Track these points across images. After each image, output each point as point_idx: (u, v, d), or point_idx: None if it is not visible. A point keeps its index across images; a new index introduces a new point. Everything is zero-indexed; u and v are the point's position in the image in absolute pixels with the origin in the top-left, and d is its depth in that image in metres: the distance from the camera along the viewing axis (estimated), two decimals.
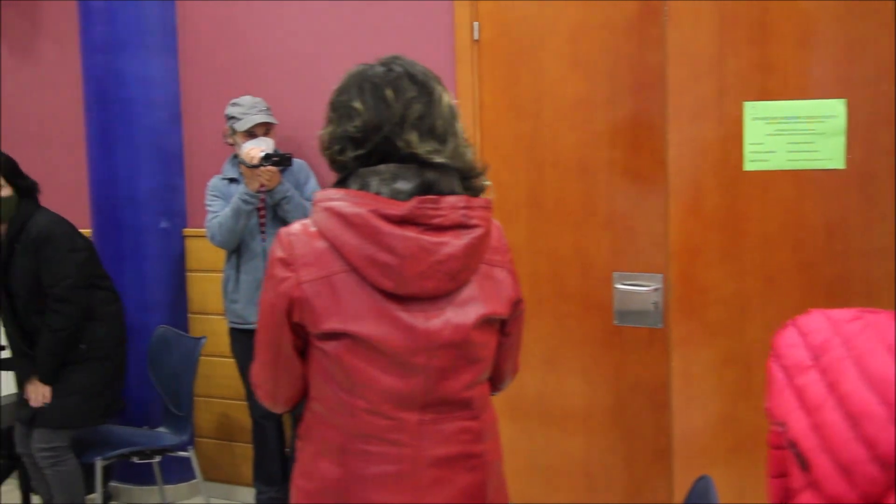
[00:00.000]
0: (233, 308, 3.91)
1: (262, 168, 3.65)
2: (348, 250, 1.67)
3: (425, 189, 1.69)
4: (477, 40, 3.66)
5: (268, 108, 3.83)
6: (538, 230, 3.59)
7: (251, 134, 3.79)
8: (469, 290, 1.74)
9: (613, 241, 3.47)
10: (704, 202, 3.07)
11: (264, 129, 3.80)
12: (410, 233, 1.65)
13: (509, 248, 1.86)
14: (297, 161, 3.85)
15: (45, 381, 3.60)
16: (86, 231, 4.51)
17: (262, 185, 3.70)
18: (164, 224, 4.31)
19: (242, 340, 3.88)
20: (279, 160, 3.65)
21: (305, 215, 3.69)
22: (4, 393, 4.48)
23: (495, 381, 1.93)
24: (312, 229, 1.72)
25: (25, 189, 3.68)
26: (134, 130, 4.27)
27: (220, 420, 4.40)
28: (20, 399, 3.71)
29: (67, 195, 4.68)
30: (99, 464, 3.66)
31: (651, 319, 3.39)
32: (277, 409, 1.89)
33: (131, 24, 4.22)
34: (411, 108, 1.72)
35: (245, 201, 3.74)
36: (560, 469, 3.65)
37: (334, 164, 1.77)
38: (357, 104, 1.73)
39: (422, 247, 1.65)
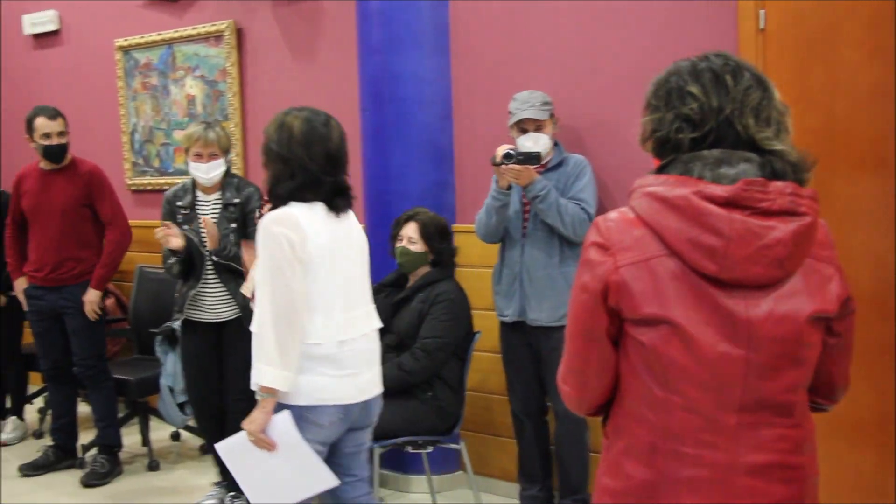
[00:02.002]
0: (495, 300, 3.96)
1: (503, 166, 3.67)
2: (669, 234, 1.63)
3: (758, 174, 1.63)
4: (762, 29, 3.49)
5: (544, 104, 3.79)
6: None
7: (523, 129, 3.80)
8: (794, 283, 1.65)
9: None
10: None
11: (534, 124, 3.79)
12: (737, 215, 1.59)
13: (835, 245, 1.74)
14: (574, 157, 3.82)
15: None
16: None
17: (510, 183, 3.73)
18: None
19: (505, 333, 3.95)
20: (521, 159, 3.65)
21: (560, 215, 3.72)
22: None
23: (827, 392, 1.81)
24: (631, 215, 1.69)
25: (442, 253, 3.96)
26: (407, 128, 4.39)
27: (486, 414, 4.44)
28: None
29: None
30: (377, 451, 3.78)
31: None
32: (582, 410, 1.85)
33: (406, 24, 4.34)
34: (749, 95, 1.67)
35: (494, 197, 3.80)
36: (847, 484, 3.42)
37: (666, 144, 1.72)
38: (694, 88, 1.68)
39: (749, 229, 1.59)
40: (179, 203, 4.21)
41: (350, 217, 2.96)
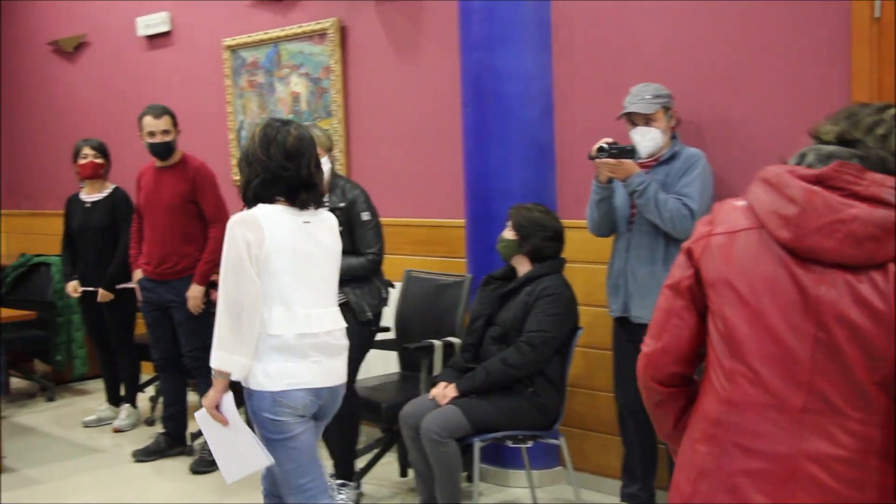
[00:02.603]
0: (606, 294, 3.94)
1: (598, 160, 3.68)
2: (759, 206, 1.72)
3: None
4: (878, 18, 3.39)
5: (655, 97, 3.72)
6: None
7: (634, 123, 3.77)
8: (880, 277, 1.60)
9: None
10: None
11: (643, 118, 3.75)
12: (818, 188, 1.63)
13: None
14: (688, 151, 3.73)
15: (462, 392, 3.84)
16: (459, 221, 4.73)
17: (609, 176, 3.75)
18: None
19: (615, 327, 3.92)
20: (615, 152, 3.64)
21: (659, 210, 3.64)
22: (386, 371, 4.81)
23: None
24: (742, 202, 1.78)
25: (536, 247, 3.96)
26: (508, 125, 4.40)
27: (586, 410, 4.43)
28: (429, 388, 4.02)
29: (444, 188, 4.93)
30: (477, 445, 3.81)
31: None
32: (649, 369, 1.90)
33: (508, 20, 4.35)
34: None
35: (594, 191, 3.83)
36: None
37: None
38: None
39: (826, 202, 1.63)
40: None
41: (323, 220, 3.15)
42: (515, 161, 4.42)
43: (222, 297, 2.96)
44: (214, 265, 4.91)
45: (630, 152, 3.66)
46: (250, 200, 3.04)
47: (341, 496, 4.23)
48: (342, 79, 5.39)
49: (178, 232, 4.92)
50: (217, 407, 3.02)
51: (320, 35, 5.45)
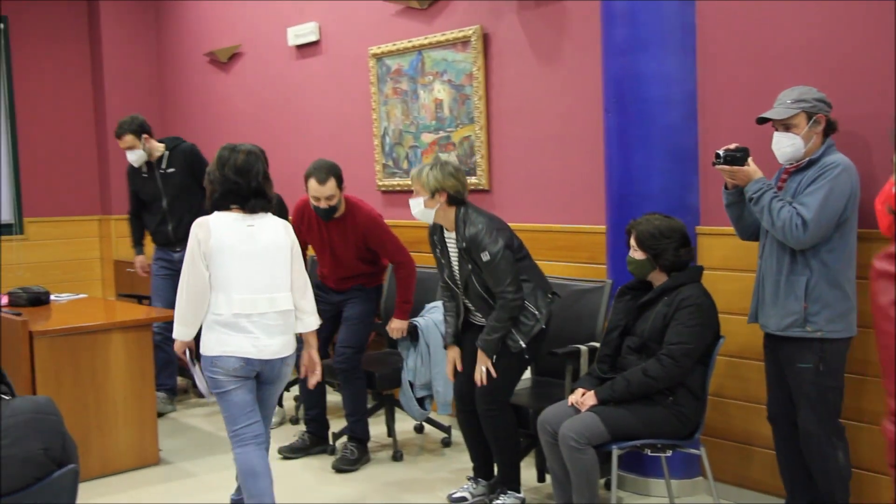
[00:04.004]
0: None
1: (717, 167, 3.65)
2: None
3: None
4: None
5: (795, 101, 3.58)
6: None
7: (777, 128, 3.67)
8: None
9: None
10: None
11: (781, 124, 3.63)
12: None
13: None
14: (829, 159, 3.55)
15: (601, 400, 3.83)
16: (600, 227, 4.71)
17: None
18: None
19: (765, 342, 3.82)
20: (728, 159, 3.59)
21: (772, 219, 3.52)
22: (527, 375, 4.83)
23: None
24: None
25: (667, 258, 3.90)
26: (650, 130, 4.35)
27: (728, 420, 4.33)
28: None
29: (585, 193, 4.92)
30: (615, 452, 3.78)
31: None
32: None
33: (652, 24, 4.30)
34: None
35: (723, 196, 3.81)
36: None
37: None
38: None
39: None
40: (435, 236, 4.43)
41: (267, 223, 3.84)
42: (657, 166, 4.37)
43: (181, 281, 3.77)
44: (412, 298, 5.07)
45: (739, 159, 3.60)
46: (210, 209, 3.83)
47: (499, 502, 4.31)
48: (484, 85, 5.44)
49: (355, 265, 5.11)
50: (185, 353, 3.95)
51: (463, 42, 5.52)
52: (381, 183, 6.24)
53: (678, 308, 3.81)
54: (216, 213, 3.80)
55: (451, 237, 4.32)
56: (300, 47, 6.84)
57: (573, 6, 4.93)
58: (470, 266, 4.21)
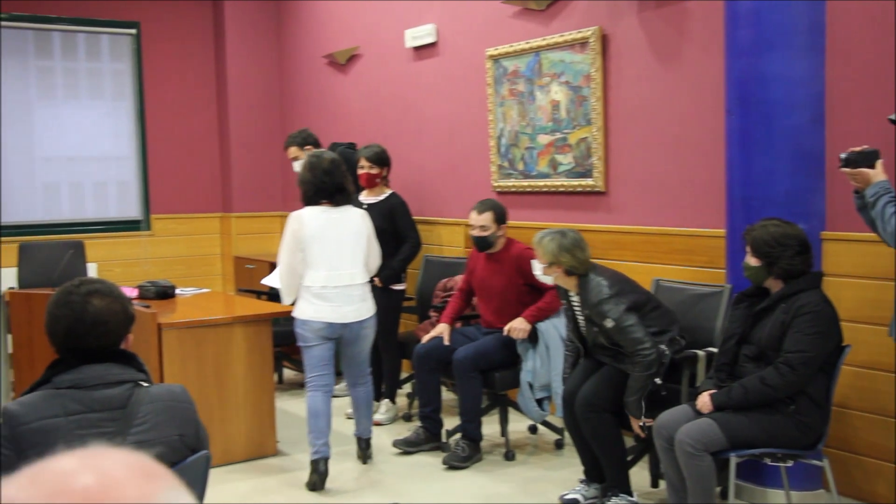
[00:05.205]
0: None
1: (840, 170, 3.56)
2: None
3: None
4: None
5: None
6: None
7: None
8: None
9: None
10: None
11: None
12: None
13: None
14: None
15: (717, 406, 3.77)
16: (719, 231, 4.63)
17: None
18: (801, 226, 4.23)
19: None
20: (847, 161, 3.51)
21: (883, 224, 3.41)
22: None
23: None
24: None
25: (782, 266, 3.80)
26: (775, 132, 4.25)
27: (856, 433, 4.21)
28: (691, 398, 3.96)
29: (705, 196, 4.85)
30: (733, 460, 3.72)
31: None
32: None
33: (778, 23, 4.20)
34: None
35: (854, 201, 3.67)
36: None
37: None
38: None
39: None
40: (562, 297, 4.57)
41: (348, 213, 4.84)
42: (781, 170, 4.27)
43: (279, 263, 4.81)
44: (541, 314, 5.10)
45: (858, 161, 3.49)
46: (304, 204, 4.78)
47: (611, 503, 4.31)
48: (602, 87, 5.41)
49: (512, 306, 5.16)
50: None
51: (581, 43, 5.50)
52: (496, 184, 6.26)
53: (796, 315, 3.72)
54: (307, 208, 4.76)
55: (576, 299, 4.42)
56: (417, 49, 6.92)
57: (695, 6, 4.86)
58: (596, 329, 4.30)
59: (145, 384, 2.48)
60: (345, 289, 4.73)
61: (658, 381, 4.15)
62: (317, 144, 6.56)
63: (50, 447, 2.26)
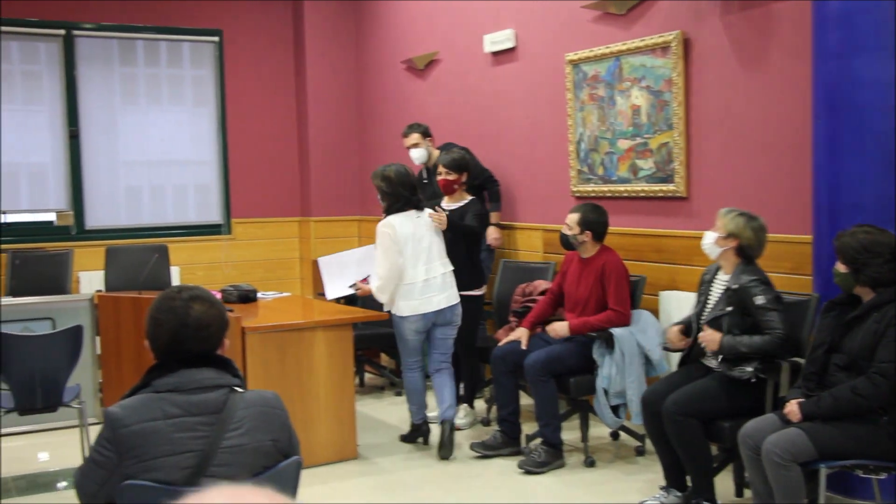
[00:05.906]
0: None
1: None
2: None
3: None
4: None
5: None
6: None
7: None
8: None
9: None
10: None
11: None
12: None
13: None
14: None
15: (805, 415, 3.72)
16: (805, 237, 4.55)
17: None
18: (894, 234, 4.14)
19: None
20: None
21: None
22: None
23: None
24: None
25: (870, 275, 3.74)
26: (864, 137, 4.17)
27: None
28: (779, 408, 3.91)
29: (790, 202, 4.77)
30: (823, 471, 3.65)
31: None
32: None
33: (869, 25, 4.12)
34: None
35: None
36: None
37: None
38: None
39: None
40: (707, 275, 4.58)
41: (425, 216, 5.45)
42: (871, 175, 4.18)
43: (379, 267, 5.32)
44: (587, 328, 5.14)
45: None
46: (387, 213, 5.40)
47: None
48: (684, 91, 5.35)
49: (592, 313, 5.18)
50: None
51: (662, 48, 5.45)
52: (575, 189, 6.24)
53: (889, 325, 3.64)
54: (394, 216, 5.36)
55: (722, 278, 4.43)
56: (496, 54, 6.93)
57: (781, 8, 4.79)
58: (731, 308, 4.26)
59: (240, 389, 2.53)
60: (435, 279, 5.37)
61: (750, 369, 4.16)
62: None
63: (150, 449, 2.33)
